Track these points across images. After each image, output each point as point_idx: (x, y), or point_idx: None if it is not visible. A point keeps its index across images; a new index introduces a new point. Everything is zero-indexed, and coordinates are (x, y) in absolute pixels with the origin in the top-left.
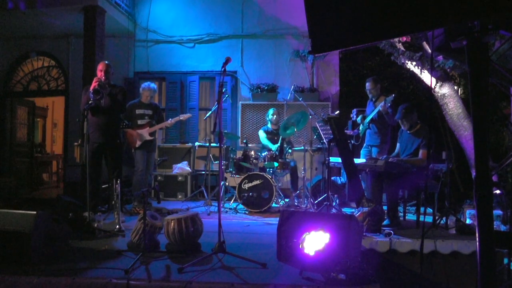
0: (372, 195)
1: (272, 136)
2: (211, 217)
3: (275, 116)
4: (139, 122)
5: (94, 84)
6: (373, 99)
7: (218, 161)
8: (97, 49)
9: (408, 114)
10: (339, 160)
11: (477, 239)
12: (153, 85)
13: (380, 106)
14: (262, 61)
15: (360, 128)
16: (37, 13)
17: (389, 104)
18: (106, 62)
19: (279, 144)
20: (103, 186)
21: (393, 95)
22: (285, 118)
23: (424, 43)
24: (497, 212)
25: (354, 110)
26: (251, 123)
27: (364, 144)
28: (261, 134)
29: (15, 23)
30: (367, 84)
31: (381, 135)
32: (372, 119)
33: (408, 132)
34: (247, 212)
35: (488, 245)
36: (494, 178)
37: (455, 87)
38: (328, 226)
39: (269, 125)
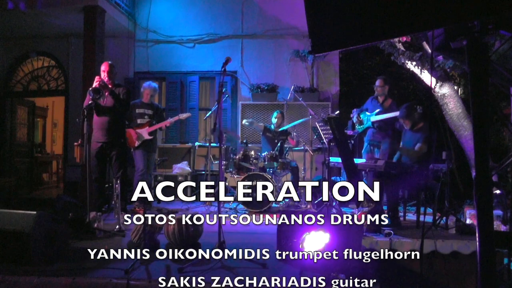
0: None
1: (273, 136)
2: (211, 217)
3: (277, 119)
4: (139, 121)
5: (95, 84)
6: (380, 99)
7: (218, 161)
8: (97, 49)
9: (410, 112)
10: (339, 160)
11: (477, 239)
12: (154, 84)
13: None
14: (262, 61)
15: (357, 127)
16: (37, 13)
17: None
18: (109, 62)
19: (279, 145)
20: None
21: (421, 107)
22: (285, 125)
23: (424, 43)
24: (497, 212)
25: (354, 110)
26: None
27: (365, 143)
28: (264, 131)
29: (15, 23)
30: (377, 81)
31: (385, 132)
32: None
33: (411, 130)
34: (247, 212)
35: (488, 245)
36: (494, 178)
37: (455, 87)
38: (328, 226)
39: (272, 126)
